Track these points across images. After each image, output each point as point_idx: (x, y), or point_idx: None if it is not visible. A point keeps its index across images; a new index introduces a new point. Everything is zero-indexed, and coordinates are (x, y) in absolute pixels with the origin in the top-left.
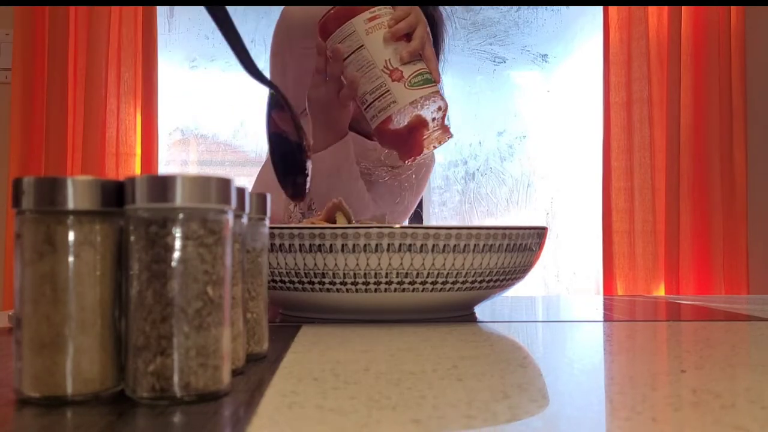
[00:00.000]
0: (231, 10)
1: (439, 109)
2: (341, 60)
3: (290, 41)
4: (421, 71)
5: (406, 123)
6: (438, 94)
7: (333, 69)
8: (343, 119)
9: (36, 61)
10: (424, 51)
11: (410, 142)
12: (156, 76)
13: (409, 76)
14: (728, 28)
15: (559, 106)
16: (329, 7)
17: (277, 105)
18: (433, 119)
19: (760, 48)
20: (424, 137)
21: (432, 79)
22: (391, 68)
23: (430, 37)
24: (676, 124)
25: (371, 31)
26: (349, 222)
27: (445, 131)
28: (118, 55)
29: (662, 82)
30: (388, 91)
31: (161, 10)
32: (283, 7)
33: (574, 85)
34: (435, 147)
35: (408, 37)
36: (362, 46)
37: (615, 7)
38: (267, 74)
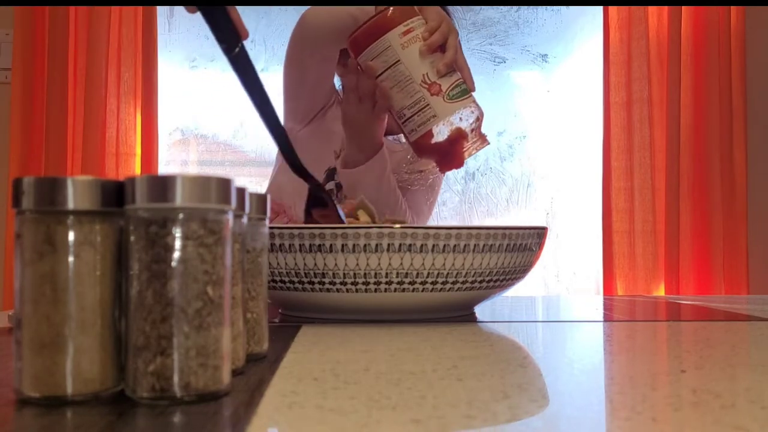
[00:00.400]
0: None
1: (477, 119)
2: (375, 76)
3: (311, 48)
4: (458, 83)
5: (446, 136)
6: (474, 103)
7: (367, 85)
8: (379, 133)
9: (36, 61)
10: (458, 60)
11: (451, 153)
12: (156, 76)
13: (447, 89)
14: (728, 28)
15: (559, 106)
16: (359, 21)
17: (319, 203)
18: (472, 130)
19: (760, 48)
20: (465, 149)
21: (467, 89)
22: (429, 82)
23: (460, 44)
24: (676, 124)
25: (407, 45)
26: (373, 221)
27: (483, 140)
28: (118, 55)
29: (662, 82)
30: (428, 105)
31: (161, 10)
32: (302, 13)
33: (574, 85)
34: (472, 155)
35: (442, 48)
36: (398, 61)
37: (615, 7)
38: (280, 83)
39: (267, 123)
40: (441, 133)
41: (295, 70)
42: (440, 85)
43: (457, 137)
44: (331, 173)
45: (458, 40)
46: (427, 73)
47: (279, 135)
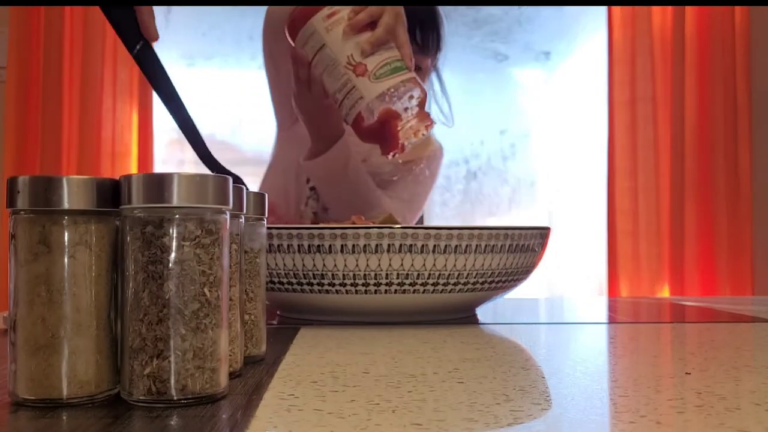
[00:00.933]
0: (229, 9)
1: (412, 97)
2: (308, 64)
3: (276, 40)
4: (388, 60)
5: (376, 117)
6: (411, 81)
7: (305, 74)
8: (334, 121)
9: (31, 59)
10: (397, 38)
11: (385, 135)
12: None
13: (375, 68)
14: (732, 27)
15: (562, 105)
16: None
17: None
18: (406, 109)
19: (765, 47)
20: (399, 129)
21: (403, 67)
22: (354, 63)
23: (404, 20)
24: (680, 123)
25: (331, 28)
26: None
27: (422, 119)
28: (114, 54)
29: (666, 81)
30: (354, 87)
31: (158, 10)
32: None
33: (577, 83)
34: (417, 138)
35: (373, 26)
36: (324, 45)
37: (619, 6)
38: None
39: (175, 118)
40: (371, 115)
41: (272, 66)
42: (366, 65)
43: (387, 118)
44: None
45: (396, 15)
46: (351, 54)
47: (187, 129)
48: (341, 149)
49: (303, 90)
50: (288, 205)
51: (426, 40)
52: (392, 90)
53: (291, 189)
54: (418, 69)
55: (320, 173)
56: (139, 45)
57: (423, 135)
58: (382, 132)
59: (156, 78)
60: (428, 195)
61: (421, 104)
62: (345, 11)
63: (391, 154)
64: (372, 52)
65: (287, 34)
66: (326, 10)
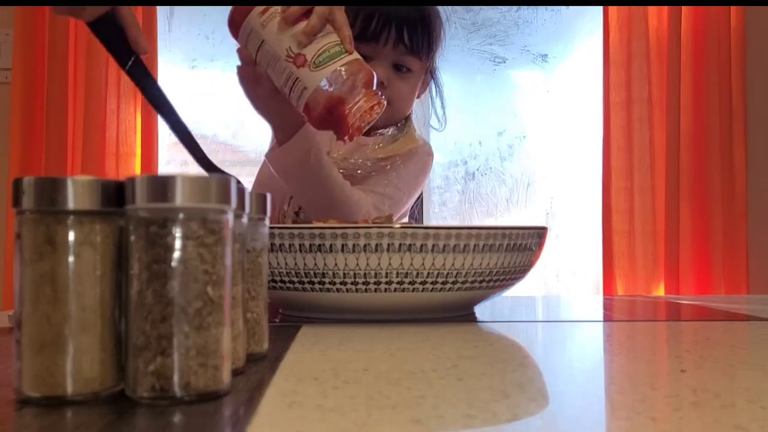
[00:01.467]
0: (227, 9)
1: (354, 77)
2: (252, 63)
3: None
4: (326, 47)
5: (323, 105)
6: (353, 63)
7: (249, 72)
8: (287, 112)
9: (36, 61)
10: (334, 21)
11: (335, 121)
12: (156, 76)
13: (313, 57)
14: (728, 28)
15: (559, 106)
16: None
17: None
18: (351, 90)
19: (760, 48)
20: (347, 112)
21: (342, 51)
22: (293, 55)
23: (341, 6)
24: (675, 124)
25: (266, 24)
26: None
27: (370, 99)
28: None
29: (662, 82)
30: (297, 78)
31: (161, 10)
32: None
33: (574, 85)
34: (372, 117)
35: (308, 16)
36: (263, 41)
37: (615, 7)
38: None
39: (169, 124)
40: (317, 104)
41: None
42: (305, 56)
43: (333, 104)
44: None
45: (334, 8)
46: (290, 47)
47: (182, 135)
48: (301, 139)
49: (252, 88)
50: (273, 204)
51: (414, 40)
52: (334, 75)
53: (278, 188)
54: (408, 71)
55: (281, 163)
56: (131, 60)
57: (377, 114)
58: (331, 118)
59: (148, 89)
60: (412, 191)
61: (367, 84)
62: (278, 6)
63: (346, 138)
64: (309, 42)
65: (231, 35)
66: (259, 7)
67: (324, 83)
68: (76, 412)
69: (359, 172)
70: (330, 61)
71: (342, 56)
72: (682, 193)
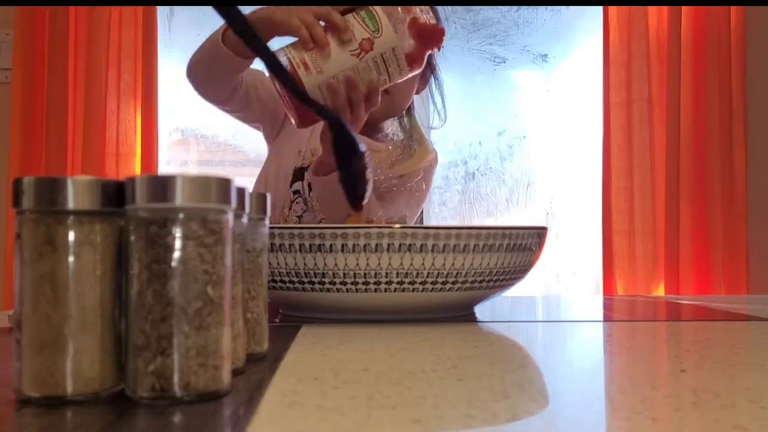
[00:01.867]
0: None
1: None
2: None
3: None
4: (360, 21)
5: (420, 39)
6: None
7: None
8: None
9: (36, 61)
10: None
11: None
12: (156, 76)
13: (370, 32)
14: (728, 28)
15: (558, 106)
16: None
17: (345, 141)
18: (292, 64)
19: (760, 48)
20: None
21: (372, 13)
22: (357, 49)
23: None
24: (675, 124)
25: (322, 67)
26: None
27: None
28: (118, 55)
29: (662, 82)
30: (382, 53)
31: (161, 10)
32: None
33: (574, 85)
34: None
35: (330, 28)
36: (335, 75)
37: (615, 7)
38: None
39: (266, 64)
40: (418, 40)
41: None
42: (366, 40)
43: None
44: (299, 172)
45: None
46: (350, 50)
47: (277, 69)
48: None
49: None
50: (273, 207)
51: None
52: (399, 23)
53: (278, 193)
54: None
55: (330, 188)
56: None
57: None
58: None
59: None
60: (423, 203)
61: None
62: (305, 54)
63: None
64: (351, 30)
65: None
66: (299, 71)
67: (405, 37)
68: (76, 412)
69: (378, 190)
70: (382, 20)
71: (379, 13)
72: (682, 193)
